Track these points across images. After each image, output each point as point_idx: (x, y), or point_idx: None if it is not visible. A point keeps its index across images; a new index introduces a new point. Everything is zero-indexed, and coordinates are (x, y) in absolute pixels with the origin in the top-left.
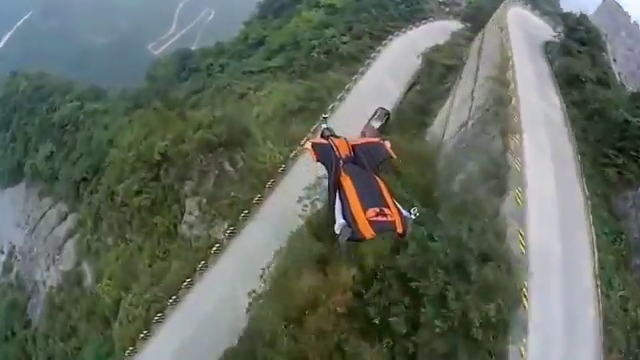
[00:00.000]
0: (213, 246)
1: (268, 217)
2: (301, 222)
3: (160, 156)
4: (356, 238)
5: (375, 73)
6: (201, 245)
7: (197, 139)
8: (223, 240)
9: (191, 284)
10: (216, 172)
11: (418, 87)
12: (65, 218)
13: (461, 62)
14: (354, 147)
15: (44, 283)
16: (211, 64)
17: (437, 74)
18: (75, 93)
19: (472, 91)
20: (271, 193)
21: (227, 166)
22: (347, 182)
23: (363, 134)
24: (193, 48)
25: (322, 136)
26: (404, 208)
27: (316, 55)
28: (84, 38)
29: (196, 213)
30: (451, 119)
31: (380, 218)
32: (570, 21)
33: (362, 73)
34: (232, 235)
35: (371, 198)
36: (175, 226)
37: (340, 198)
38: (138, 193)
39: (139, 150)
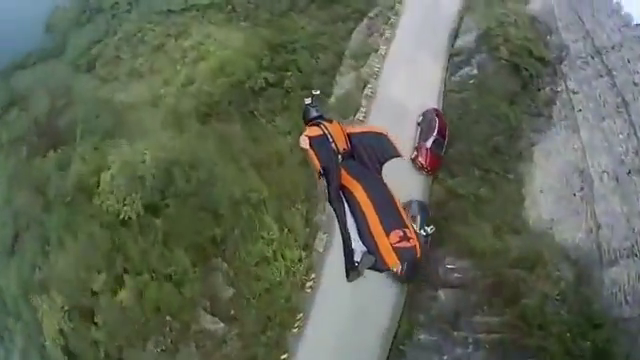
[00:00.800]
0: None
1: None
2: None
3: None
4: (378, 268)
5: (402, 40)
6: None
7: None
8: None
9: None
10: (192, 346)
11: (474, 72)
12: None
13: (558, 56)
14: (350, 136)
15: None
16: (116, 2)
17: (530, 70)
18: None
19: None
20: (302, 339)
21: (207, 321)
22: (359, 191)
23: (418, 163)
24: None
25: (307, 119)
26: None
27: None
28: None
29: None
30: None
31: (404, 244)
32: None
33: (387, 38)
34: None
35: (391, 216)
36: None
37: (352, 212)
38: None
39: None
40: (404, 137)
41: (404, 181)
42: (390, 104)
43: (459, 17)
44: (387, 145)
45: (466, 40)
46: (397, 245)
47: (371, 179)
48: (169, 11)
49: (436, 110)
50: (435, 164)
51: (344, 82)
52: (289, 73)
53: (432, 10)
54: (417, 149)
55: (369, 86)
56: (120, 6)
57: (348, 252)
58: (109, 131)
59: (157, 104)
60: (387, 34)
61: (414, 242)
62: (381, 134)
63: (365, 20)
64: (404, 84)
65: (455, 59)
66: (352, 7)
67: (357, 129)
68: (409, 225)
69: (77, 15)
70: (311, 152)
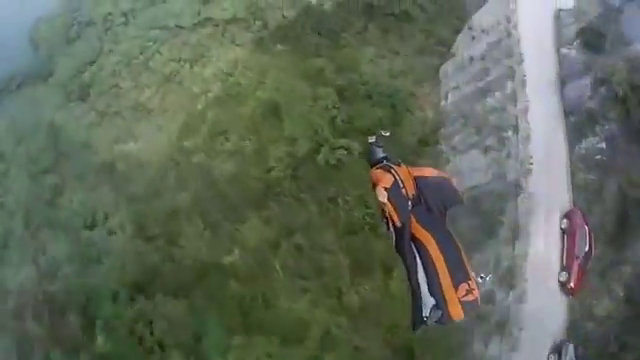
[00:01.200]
0: None
1: None
2: None
3: None
4: (443, 322)
5: (532, 101)
6: None
7: None
8: None
9: None
10: None
11: (601, 145)
12: None
13: None
14: (416, 179)
15: None
16: (109, 13)
17: None
18: None
19: None
20: None
21: None
22: (431, 244)
23: (567, 288)
24: None
25: (373, 161)
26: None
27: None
28: None
29: None
30: None
31: (469, 297)
32: None
33: (525, 108)
34: None
35: (458, 269)
36: None
37: (423, 264)
38: None
39: None
40: (550, 246)
41: (542, 302)
42: (536, 202)
43: (557, 52)
44: (450, 191)
45: (578, 92)
46: (464, 299)
47: (440, 229)
48: (177, 27)
49: (582, 213)
50: (582, 284)
51: (464, 163)
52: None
53: (541, 48)
54: (567, 269)
55: (523, 194)
56: (114, 17)
57: (417, 305)
58: (135, 281)
59: (179, 162)
60: (523, 101)
61: (476, 293)
62: (445, 178)
63: (459, 57)
64: (544, 169)
65: (571, 119)
66: (433, 35)
67: (423, 172)
68: (471, 276)
69: (64, 28)
70: (390, 206)
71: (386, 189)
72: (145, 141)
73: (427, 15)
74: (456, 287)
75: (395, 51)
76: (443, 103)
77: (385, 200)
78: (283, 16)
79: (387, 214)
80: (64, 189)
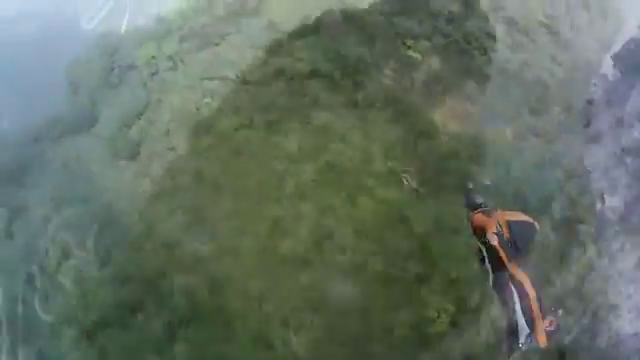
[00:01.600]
0: None
1: None
2: None
3: None
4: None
5: None
6: None
7: None
8: None
9: None
10: None
11: None
12: None
13: None
14: (508, 223)
15: None
16: (153, 57)
17: None
18: None
19: None
20: None
21: None
22: (526, 282)
23: None
24: (123, 29)
25: (473, 206)
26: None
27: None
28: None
29: None
30: None
31: (552, 327)
32: None
33: None
34: None
35: (544, 302)
36: None
37: (520, 299)
38: None
39: None
40: None
41: None
42: None
43: None
44: (533, 232)
45: None
46: (548, 329)
47: (528, 263)
48: (240, 79)
49: None
50: None
51: None
52: None
53: None
54: None
55: None
56: (159, 62)
57: (514, 335)
58: None
59: (280, 277)
60: None
61: (555, 324)
62: (532, 223)
63: (607, 145)
64: None
65: None
66: (571, 108)
67: (514, 216)
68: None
69: (104, 72)
70: (499, 248)
71: (495, 233)
72: (224, 237)
73: (557, 80)
74: (543, 317)
75: (532, 129)
76: (599, 207)
77: (496, 243)
78: (393, 69)
79: (485, 253)
80: None
